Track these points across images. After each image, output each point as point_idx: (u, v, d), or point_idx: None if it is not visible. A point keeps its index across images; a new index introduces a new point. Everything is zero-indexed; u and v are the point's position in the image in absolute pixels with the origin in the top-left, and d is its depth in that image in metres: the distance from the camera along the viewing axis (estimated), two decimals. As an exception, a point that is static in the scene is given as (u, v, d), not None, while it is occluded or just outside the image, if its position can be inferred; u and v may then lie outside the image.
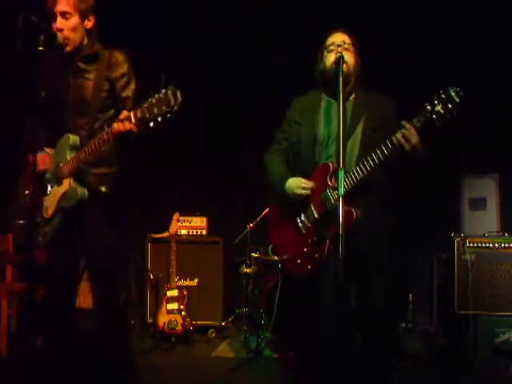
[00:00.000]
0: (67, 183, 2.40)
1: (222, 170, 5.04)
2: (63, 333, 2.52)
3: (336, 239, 2.17)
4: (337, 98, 2.33)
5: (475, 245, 3.88)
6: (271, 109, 3.14)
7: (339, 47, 2.51)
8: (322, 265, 2.43)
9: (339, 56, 2.40)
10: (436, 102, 2.19)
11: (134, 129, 2.16)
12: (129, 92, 2.45)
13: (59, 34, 2.35)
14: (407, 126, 2.25)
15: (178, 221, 4.67)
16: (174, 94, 2.01)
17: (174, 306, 4.39)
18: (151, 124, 2.07)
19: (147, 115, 2.07)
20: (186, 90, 2.04)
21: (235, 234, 4.56)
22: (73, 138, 2.40)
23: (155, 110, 2.04)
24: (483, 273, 3.83)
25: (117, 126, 2.19)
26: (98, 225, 2.44)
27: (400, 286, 3.91)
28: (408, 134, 2.24)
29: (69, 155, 2.40)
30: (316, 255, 2.44)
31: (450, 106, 2.16)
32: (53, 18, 2.38)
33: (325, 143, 2.53)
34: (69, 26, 2.37)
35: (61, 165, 2.44)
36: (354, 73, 2.53)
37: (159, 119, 2.05)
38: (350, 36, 2.57)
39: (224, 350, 4.21)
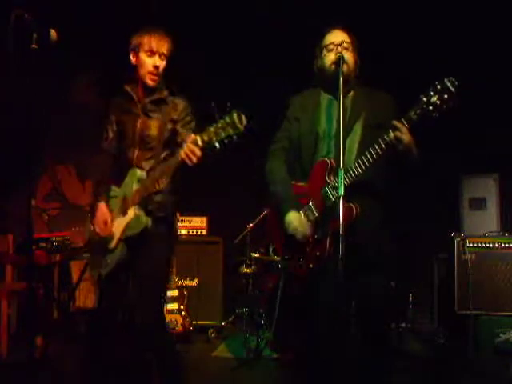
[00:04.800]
0: (132, 212, 2.52)
1: (222, 170, 5.03)
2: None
3: (337, 236, 2.17)
4: (337, 97, 2.33)
5: (475, 245, 3.89)
6: (271, 108, 3.14)
7: (339, 47, 2.49)
8: (324, 263, 2.43)
9: (339, 56, 2.40)
10: (432, 93, 2.19)
11: (199, 153, 2.28)
12: (189, 130, 2.59)
13: (52, 32, 2.33)
14: (398, 125, 2.25)
15: (178, 221, 4.66)
16: (239, 117, 2.18)
17: (174, 306, 4.39)
18: (217, 145, 2.21)
19: (214, 138, 2.21)
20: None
21: (235, 234, 4.56)
22: (140, 173, 2.55)
23: (222, 134, 2.19)
24: (483, 273, 3.83)
25: (183, 153, 2.30)
26: (157, 248, 2.56)
27: (399, 284, 3.92)
28: (400, 135, 2.25)
29: (135, 188, 2.53)
30: (317, 253, 2.44)
31: (445, 96, 2.17)
32: (149, 53, 2.58)
33: (325, 139, 2.53)
34: (162, 66, 2.62)
35: (127, 197, 2.56)
36: (353, 71, 2.52)
37: (226, 141, 2.20)
38: (349, 34, 2.55)
39: (224, 350, 4.21)
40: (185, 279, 4.76)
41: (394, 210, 2.65)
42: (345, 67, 2.40)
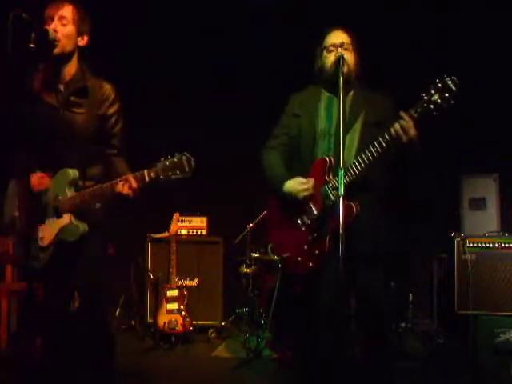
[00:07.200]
0: (67, 218, 2.37)
1: (221, 169, 5.04)
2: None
3: (336, 235, 2.17)
4: (337, 96, 2.33)
5: (475, 245, 3.88)
6: (270, 108, 3.14)
7: (339, 48, 2.50)
8: (323, 262, 2.43)
9: (339, 56, 2.41)
10: (433, 91, 2.20)
11: (131, 194, 2.24)
12: (117, 130, 2.52)
13: (51, 31, 2.31)
14: (406, 117, 2.25)
15: (178, 221, 4.66)
16: (189, 161, 2.16)
17: (174, 306, 4.39)
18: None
19: (161, 176, 2.17)
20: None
21: (235, 234, 4.56)
22: (72, 173, 2.38)
23: (170, 174, 2.16)
24: (483, 273, 3.82)
25: (122, 187, 2.24)
26: (95, 253, 2.46)
27: (399, 284, 3.92)
28: (406, 125, 2.25)
29: (68, 190, 2.37)
30: (317, 252, 2.44)
31: (446, 94, 2.18)
32: (48, 21, 2.38)
33: (325, 137, 2.53)
34: (63, 30, 2.37)
35: (60, 198, 2.39)
36: (353, 72, 2.53)
37: (170, 180, 2.17)
38: (349, 35, 2.56)
39: (224, 350, 4.22)
40: (185, 279, 4.75)
41: (394, 210, 2.65)
42: (345, 67, 2.41)
